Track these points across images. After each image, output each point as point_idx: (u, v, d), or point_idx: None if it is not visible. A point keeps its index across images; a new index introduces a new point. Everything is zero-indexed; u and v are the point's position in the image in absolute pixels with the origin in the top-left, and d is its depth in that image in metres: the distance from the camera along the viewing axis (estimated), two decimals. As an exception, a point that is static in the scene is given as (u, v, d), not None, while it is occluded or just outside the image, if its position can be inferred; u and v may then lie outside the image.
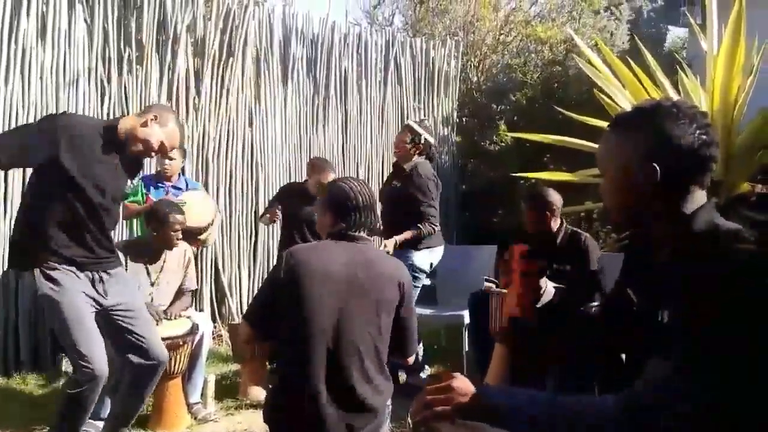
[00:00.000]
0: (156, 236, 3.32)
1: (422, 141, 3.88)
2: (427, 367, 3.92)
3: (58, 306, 2.46)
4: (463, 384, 1.20)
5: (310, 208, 4.02)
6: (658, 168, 1.23)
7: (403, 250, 3.68)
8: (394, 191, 3.87)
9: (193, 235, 3.70)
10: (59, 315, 2.46)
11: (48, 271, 2.48)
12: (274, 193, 5.35)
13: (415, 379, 3.69)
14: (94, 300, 2.58)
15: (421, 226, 3.77)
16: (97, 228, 2.58)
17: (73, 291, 2.49)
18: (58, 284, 2.48)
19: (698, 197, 1.26)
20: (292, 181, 5.49)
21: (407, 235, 3.74)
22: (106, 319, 2.63)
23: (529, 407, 1.17)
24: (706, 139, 1.24)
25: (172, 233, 3.32)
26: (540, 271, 1.59)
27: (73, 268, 2.53)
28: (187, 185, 4.08)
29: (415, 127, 3.97)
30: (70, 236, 2.52)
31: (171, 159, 3.69)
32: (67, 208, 2.50)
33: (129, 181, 2.76)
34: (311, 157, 5.81)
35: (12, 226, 4.07)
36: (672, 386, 1.07)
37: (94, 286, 2.59)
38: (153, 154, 2.69)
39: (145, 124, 2.59)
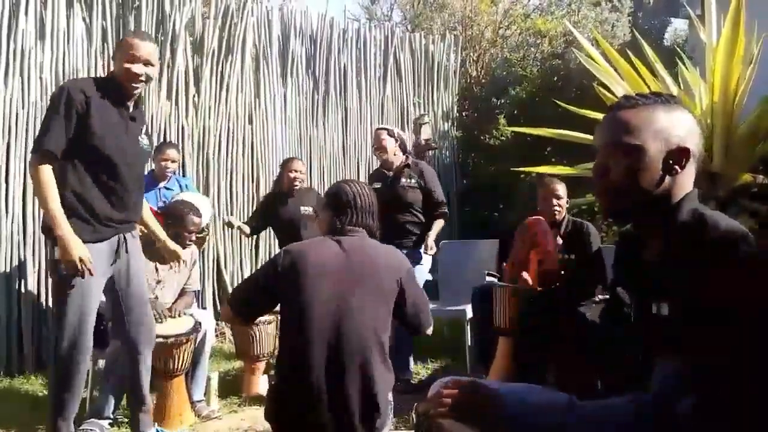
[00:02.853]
0: (171, 236, 3.32)
1: (396, 134, 3.93)
2: (411, 360, 3.86)
3: (67, 285, 2.42)
4: (480, 390, 1.21)
5: (285, 207, 4.20)
6: (674, 147, 1.21)
7: (414, 250, 3.68)
8: (403, 190, 3.83)
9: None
10: (63, 295, 2.43)
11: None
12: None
13: (404, 372, 3.64)
14: (107, 274, 2.54)
15: (444, 219, 3.86)
16: (123, 185, 2.53)
17: (87, 277, 2.42)
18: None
19: (685, 186, 1.25)
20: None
21: (439, 226, 3.80)
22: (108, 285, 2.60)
23: (544, 416, 1.17)
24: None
25: (186, 234, 3.35)
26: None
27: (97, 242, 2.47)
28: (180, 187, 4.11)
29: (386, 126, 4.08)
30: (101, 194, 2.48)
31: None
32: (92, 167, 2.46)
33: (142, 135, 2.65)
34: (311, 153, 5.84)
35: (13, 228, 4.12)
36: (679, 384, 1.07)
37: (117, 251, 2.56)
38: (141, 77, 2.51)
39: (121, 55, 2.49)
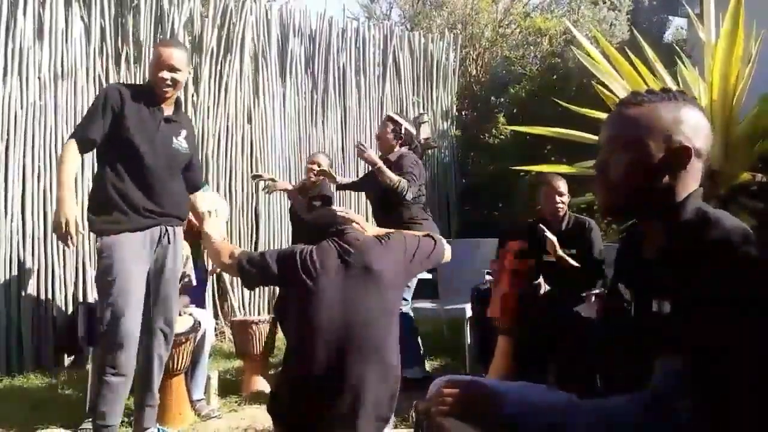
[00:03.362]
0: None
1: (403, 131, 3.86)
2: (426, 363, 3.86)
3: (109, 272, 2.54)
4: (480, 389, 1.20)
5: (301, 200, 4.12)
6: (677, 145, 1.20)
7: None
8: (379, 185, 3.76)
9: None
10: (107, 273, 2.55)
11: (109, 238, 2.56)
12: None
13: (415, 372, 3.64)
14: (148, 262, 2.67)
15: (398, 183, 3.58)
16: (158, 180, 2.68)
17: (130, 260, 2.57)
18: (118, 252, 2.55)
19: (689, 187, 1.24)
20: (291, 176, 5.54)
21: (383, 167, 3.59)
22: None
23: (544, 416, 1.17)
24: (707, 134, 1.25)
25: None
26: (530, 271, 1.54)
27: (137, 232, 2.62)
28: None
29: (396, 117, 3.97)
30: (137, 186, 2.63)
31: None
32: (128, 163, 2.62)
33: (177, 138, 2.78)
34: (310, 152, 5.83)
35: (12, 228, 4.12)
36: (679, 385, 1.07)
37: (159, 242, 2.70)
38: (167, 81, 2.67)
39: (151, 63, 2.73)
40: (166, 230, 2.74)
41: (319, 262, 2.04)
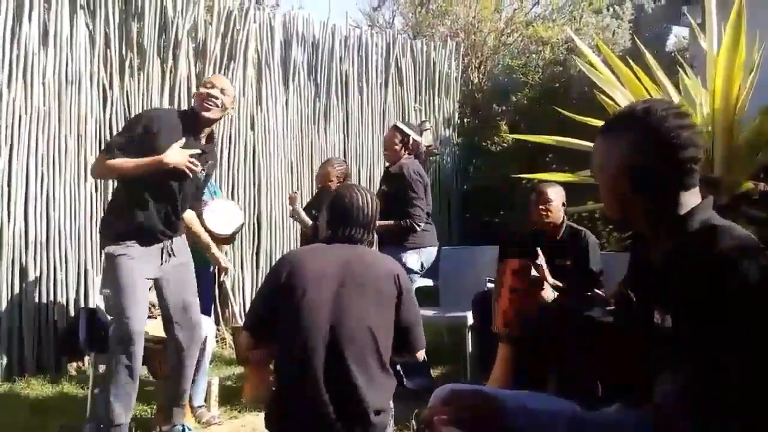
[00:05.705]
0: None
1: (411, 141, 3.87)
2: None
3: (117, 268, 2.66)
4: (482, 399, 1.21)
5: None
6: (631, 174, 1.23)
7: (393, 249, 3.62)
8: (383, 194, 3.79)
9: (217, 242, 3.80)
10: (116, 277, 2.67)
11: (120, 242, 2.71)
12: (276, 196, 5.40)
13: (418, 383, 3.63)
14: (155, 268, 2.79)
15: (402, 222, 3.68)
16: (173, 205, 2.84)
17: (136, 258, 2.70)
18: (125, 249, 2.68)
19: (690, 198, 1.23)
20: (294, 183, 5.56)
21: (385, 223, 3.57)
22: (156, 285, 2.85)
23: (548, 427, 1.17)
24: (679, 142, 1.21)
25: None
26: (532, 285, 1.55)
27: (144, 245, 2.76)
28: (209, 192, 4.13)
29: (403, 127, 3.97)
30: (152, 211, 2.77)
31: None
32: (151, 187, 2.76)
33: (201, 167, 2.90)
34: (313, 159, 5.84)
35: (14, 231, 4.13)
36: (681, 400, 1.07)
37: (162, 254, 2.83)
38: (216, 102, 2.85)
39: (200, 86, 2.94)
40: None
41: (314, 271, 2.00)
